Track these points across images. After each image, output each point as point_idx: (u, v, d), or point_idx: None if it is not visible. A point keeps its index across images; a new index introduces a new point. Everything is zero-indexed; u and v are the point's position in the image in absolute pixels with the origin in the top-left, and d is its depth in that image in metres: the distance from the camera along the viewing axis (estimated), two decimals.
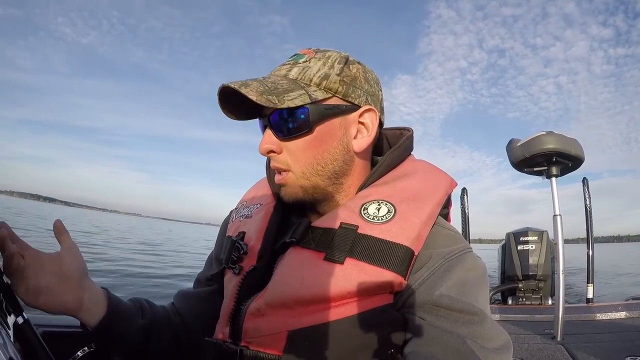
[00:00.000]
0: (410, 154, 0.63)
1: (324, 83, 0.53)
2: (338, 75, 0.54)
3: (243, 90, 0.49)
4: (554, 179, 2.27)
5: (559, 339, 2.08)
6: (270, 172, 0.66)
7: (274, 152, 0.55)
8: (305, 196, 0.57)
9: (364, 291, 0.47)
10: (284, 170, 0.56)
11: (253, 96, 0.49)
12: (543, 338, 2.16)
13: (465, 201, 3.34)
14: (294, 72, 0.54)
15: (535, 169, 2.30)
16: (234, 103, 0.55)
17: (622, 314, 2.52)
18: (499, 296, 3.68)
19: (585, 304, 3.11)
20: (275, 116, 0.54)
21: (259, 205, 0.66)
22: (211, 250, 0.75)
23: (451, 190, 0.58)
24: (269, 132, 0.55)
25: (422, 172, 0.59)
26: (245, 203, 0.71)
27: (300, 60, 0.55)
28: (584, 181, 3.30)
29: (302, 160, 0.55)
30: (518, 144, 2.27)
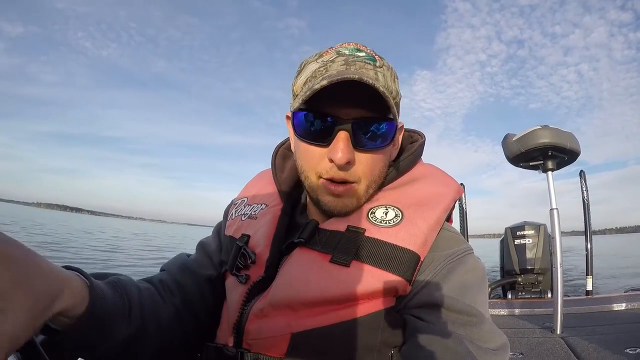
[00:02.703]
0: (420, 159, 0.63)
1: (397, 98, 0.53)
2: (398, 92, 0.55)
3: (386, 95, 0.46)
4: (550, 172, 2.27)
5: (558, 332, 2.08)
6: (277, 170, 0.64)
7: (350, 163, 0.49)
8: (357, 207, 0.54)
9: (369, 294, 0.47)
10: (351, 183, 0.51)
11: (391, 103, 0.47)
12: (543, 331, 2.17)
13: (464, 198, 3.35)
14: (381, 79, 0.50)
15: (531, 163, 2.31)
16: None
17: (621, 306, 2.53)
18: (498, 291, 3.69)
19: (584, 297, 3.12)
20: (363, 124, 0.49)
21: (264, 205, 0.62)
22: (207, 237, 0.70)
23: (458, 196, 0.58)
24: (347, 138, 0.49)
25: (431, 177, 0.59)
26: (246, 200, 0.67)
27: (377, 65, 0.52)
28: (581, 174, 3.31)
29: (372, 174, 0.52)
30: (513, 139, 2.27)
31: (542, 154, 2.23)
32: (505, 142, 2.34)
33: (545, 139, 2.16)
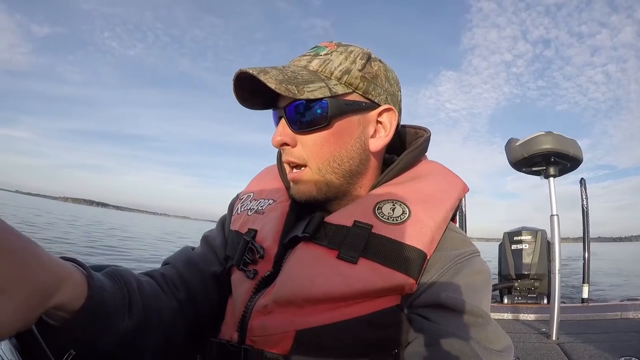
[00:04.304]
0: (425, 155, 0.62)
1: (345, 77, 0.52)
2: (360, 70, 0.53)
3: (262, 77, 0.47)
4: (552, 179, 2.27)
5: (554, 338, 2.09)
6: (283, 166, 0.63)
7: (287, 144, 0.53)
8: (319, 194, 0.55)
9: (376, 292, 0.47)
10: (299, 165, 0.54)
11: (272, 84, 0.47)
12: (538, 337, 2.18)
13: (463, 202, 3.35)
14: (315, 64, 0.53)
15: (534, 168, 2.31)
16: (250, 90, 0.52)
17: (617, 314, 2.54)
18: (495, 295, 3.69)
19: (580, 304, 3.13)
20: (292, 107, 0.52)
21: (271, 201, 0.62)
22: (211, 230, 0.69)
23: (464, 194, 0.57)
24: (283, 123, 0.53)
25: (437, 174, 0.58)
26: (252, 194, 0.67)
27: (322, 53, 0.54)
28: (582, 182, 3.31)
29: (318, 156, 0.53)
30: (517, 144, 2.27)
31: (545, 160, 2.23)
32: (509, 146, 2.34)
33: (548, 145, 2.15)
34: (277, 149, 0.66)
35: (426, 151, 0.62)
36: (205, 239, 0.67)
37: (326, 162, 0.53)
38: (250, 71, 0.48)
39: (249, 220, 0.61)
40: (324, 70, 0.52)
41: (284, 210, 0.59)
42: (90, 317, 0.39)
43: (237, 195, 0.70)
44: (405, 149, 0.60)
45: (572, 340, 2.06)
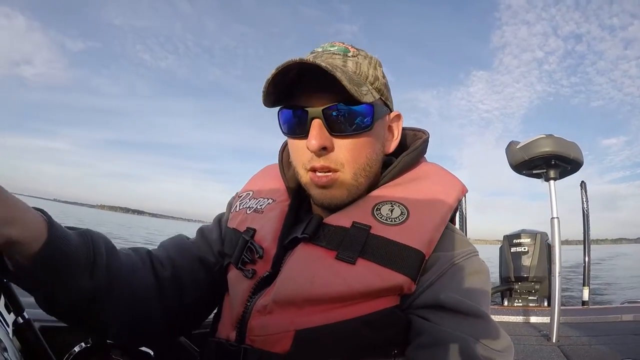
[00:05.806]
0: (424, 156, 0.63)
1: (376, 83, 0.54)
2: (383, 78, 0.55)
3: (338, 74, 0.45)
4: (552, 181, 2.27)
5: (554, 341, 2.09)
6: (285, 166, 0.63)
7: (326, 148, 0.51)
8: (348, 199, 0.54)
9: (374, 293, 0.47)
10: (334, 170, 0.51)
11: (346, 83, 0.45)
12: (539, 339, 2.17)
13: (463, 203, 3.35)
14: (351, 66, 0.52)
15: (534, 171, 2.31)
16: (275, 84, 0.49)
17: (617, 317, 2.53)
18: (496, 297, 3.69)
19: (581, 307, 3.12)
20: (333, 109, 0.50)
21: (270, 200, 0.62)
22: (207, 225, 0.69)
23: (462, 195, 0.58)
24: (320, 126, 0.50)
25: (435, 176, 0.59)
26: (252, 193, 0.67)
27: (349, 54, 0.53)
28: (582, 185, 3.31)
29: (356, 160, 0.52)
30: (517, 147, 2.28)
31: (545, 163, 2.23)
32: (509, 149, 2.34)
33: (548, 148, 2.16)
34: (280, 148, 0.66)
35: (425, 153, 0.63)
36: (201, 231, 0.67)
37: (362, 166, 0.53)
38: (323, 65, 0.45)
39: (248, 218, 0.61)
40: (360, 73, 0.52)
41: (283, 210, 0.59)
42: (48, 264, 0.39)
43: (237, 194, 0.70)
44: (404, 151, 0.60)
45: (572, 343, 2.06)
